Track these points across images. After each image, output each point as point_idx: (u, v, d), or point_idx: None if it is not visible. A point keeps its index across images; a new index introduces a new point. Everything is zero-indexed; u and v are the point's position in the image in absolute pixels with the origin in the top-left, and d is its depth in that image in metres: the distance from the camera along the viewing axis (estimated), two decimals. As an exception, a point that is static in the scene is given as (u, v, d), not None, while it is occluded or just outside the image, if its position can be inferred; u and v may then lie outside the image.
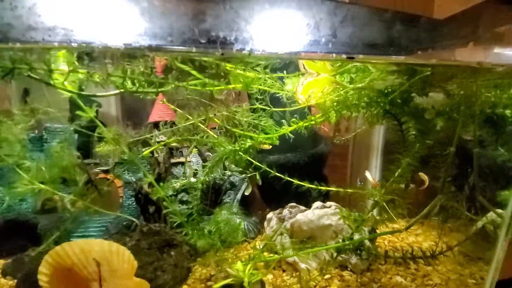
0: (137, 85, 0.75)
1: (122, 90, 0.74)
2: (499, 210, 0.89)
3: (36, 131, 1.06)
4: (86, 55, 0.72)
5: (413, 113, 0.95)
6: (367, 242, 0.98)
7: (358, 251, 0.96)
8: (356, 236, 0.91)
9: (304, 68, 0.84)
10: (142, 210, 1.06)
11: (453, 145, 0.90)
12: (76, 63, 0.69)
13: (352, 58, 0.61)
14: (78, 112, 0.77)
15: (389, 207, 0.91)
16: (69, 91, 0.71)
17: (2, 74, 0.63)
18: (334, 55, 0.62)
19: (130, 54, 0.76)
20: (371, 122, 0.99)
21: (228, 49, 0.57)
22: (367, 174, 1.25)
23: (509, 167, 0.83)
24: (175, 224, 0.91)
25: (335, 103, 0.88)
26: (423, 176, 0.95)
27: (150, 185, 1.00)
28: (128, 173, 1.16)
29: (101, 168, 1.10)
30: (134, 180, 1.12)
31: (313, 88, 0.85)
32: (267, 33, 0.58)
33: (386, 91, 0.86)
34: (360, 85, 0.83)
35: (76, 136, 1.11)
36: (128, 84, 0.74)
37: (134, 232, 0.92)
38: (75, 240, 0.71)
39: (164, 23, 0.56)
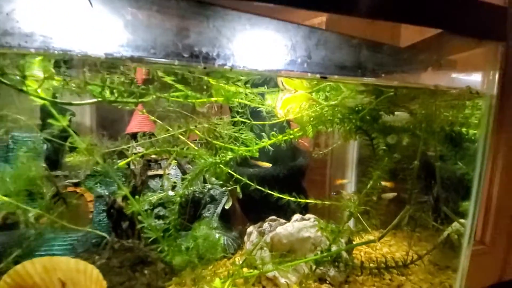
0: (117, 94, 0.74)
1: (100, 99, 0.73)
2: (462, 220, 0.97)
3: (1, 139, 0.99)
4: (64, 62, 0.71)
5: (382, 129, 1.04)
6: (344, 254, 1.00)
7: (336, 263, 0.97)
8: (334, 248, 0.93)
9: (283, 84, 0.89)
10: (115, 225, 1.00)
11: (417, 159, 0.98)
12: (53, 70, 0.67)
13: (325, 77, 0.67)
14: (50, 121, 0.73)
15: (363, 218, 0.95)
16: (43, 98, 0.68)
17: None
18: (309, 74, 0.67)
19: (112, 64, 0.76)
20: (345, 137, 1.05)
21: (210, 64, 0.60)
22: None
23: (467, 179, 0.92)
24: (150, 240, 0.87)
25: (311, 119, 0.93)
26: (386, 184, 1.02)
27: (125, 198, 0.96)
28: (100, 186, 1.10)
29: (71, 180, 1.03)
30: (106, 193, 1.07)
31: (291, 103, 0.90)
32: (248, 51, 0.62)
33: (357, 108, 0.93)
34: (333, 102, 0.89)
35: (45, 146, 1.04)
36: (107, 93, 0.73)
37: (104, 250, 0.86)
38: (38, 258, 0.65)
39: (147, 36, 0.58)
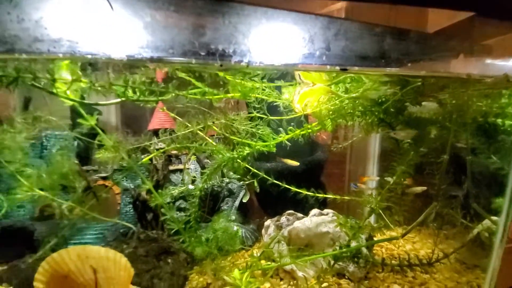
0: (138, 94, 0.77)
1: (123, 99, 0.76)
2: (494, 217, 0.90)
3: (36, 138, 1.08)
4: (89, 65, 0.75)
5: (407, 121, 0.98)
6: (364, 250, 0.98)
7: (356, 259, 0.96)
8: (353, 244, 0.91)
9: (300, 78, 0.87)
10: (140, 217, 1.06)
11: (446, 153, 0.92)
12: (80, 72, 0.71)
13: (346, 69, 0.64)
14: (79, 120, 0.79)
15: (385, 215, 0.92)
16: (71, 100, 0.73)
17: (6, 83, 0.65)
18: (328, 67, 0.64)
19: (132, 64, 0.79)
20: (366, 130, 1.01)
21: (227, 61, 0.59)
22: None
23: (502, 174, 0.85)
24: (173, 232, 0.92)
25: (330, 112, 0.90)
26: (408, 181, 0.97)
27: (148, 192, 1.01)
28: (126, 180, 1.16)
29: (100, 175, 1.11)
30: (132, 187, 1.13)
31: (309, 97, 0.88)
32: (264, 46, 0.61)
33: (379, 100, 0.88)
34: (354, 95, 0.86)
35: (75, 143, 1.12)
36: (129, 93, 0.77)
37: (131, 239, 0.92)
38: (72, 247, 0.71)
39: (166, 36, 0.59)
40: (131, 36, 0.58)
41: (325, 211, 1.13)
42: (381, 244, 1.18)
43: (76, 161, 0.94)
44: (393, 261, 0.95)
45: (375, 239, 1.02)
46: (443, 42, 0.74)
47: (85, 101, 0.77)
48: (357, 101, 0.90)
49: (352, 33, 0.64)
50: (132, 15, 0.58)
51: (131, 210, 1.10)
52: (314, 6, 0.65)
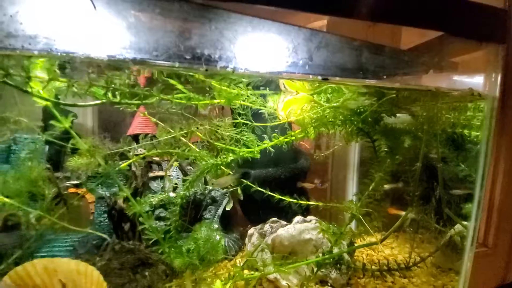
0: (120, 96, 0.74)
1: (103, 101, 0.73)
2: (465, 222, 0.96)
3: (4, 141, 0.99)
4: (68, 63, 0.72)
5: (384, 131, 1.04)
6: (346, 256, 0.99)
7: (338, 265, 0.97)
8: (335, 250, 0.92)
9: (284, 86, 0.89)
10: (115, 227, 1.00)
11: (419, 161, 0.98)
12: (57, 71, 0.68)
13: (327, 79, 0.67)
14: (52, 122, 0.74)
15: (365, 220, 0.95)
16: (47, 100, 0.69)
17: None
18: (311, 76, 0.67)
19: (114, 66, 0.77)
20: (347, 139, 1.05)
21: (212, 66, 0.60)
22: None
23: (470, 181, 0.92)
24: (151, 242, 0.87)
25: (313, 120, 0.93)
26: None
27: (126, 200, 0.96)
28: (101, 188, 1.10)
29: (72, 182, 1.03)
30: (108, 195, 1.07)
31: (293, 105, 0.90)
32: (250, 53, 0.63)
33: (358, 110, 0.93)
34: (335, 104, 0.89)
35: (46, 147, 1.05)
36: (110, 95, 0.74)
37: (105, 251, 0.86)
38: (39, 259, 0.65)
39: (150, 38, 0.58)
40: (113, 36, 0.57)
41: (308, 218, 1.14)
42: (361, 250, 1.20)
43: (47, 166, 0.87)
44: (373, 267, 0.97)
45: (355, 245, 1.04)
46: (415, 58, 0.81)
47: (62, 102, 0.73)
48: (337, 111, 0.94)
49: (332, 45, 0.68)
50: (115, 15, 0.57)
51: (106, 220, 1.03)
52: (298, 22, 0.68)
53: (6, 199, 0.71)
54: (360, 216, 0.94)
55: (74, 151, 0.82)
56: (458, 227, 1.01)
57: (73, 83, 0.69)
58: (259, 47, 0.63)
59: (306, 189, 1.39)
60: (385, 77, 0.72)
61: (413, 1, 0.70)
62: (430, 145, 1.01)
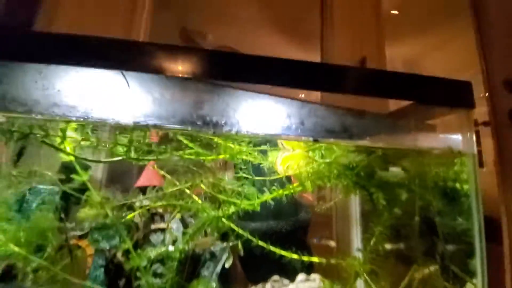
0: (139, 153, 0.85)
1: (124, 157, 0.84)
2: (474, 280, 0.91)
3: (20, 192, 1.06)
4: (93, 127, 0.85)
5: (379, 184, 1.09)
6: (353, 322, 0.92)
7: (345, 335, 0.88)
8: (341, 315, 0.86)
9: (282, 144, 1.00)
10: (110, 283, 0.96)
11: (416, 215, 1.00)
12: (89, 133, 0.80)
13: (317, 140, 0.77)
14: (73, 175, 0.83)
15: (371, 279, 0.91)
16: (75, 156, 0.79)
17: (18, 137, 0.72)
18: (303, 138, 0.78)
19: (132, 128, 0.90)
20: (345, 192, 1.10)
21: (219, 130, 0.72)
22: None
23: (470, 235, 0.91)
24: (146, 301, 0.83)
25: (309, 174, 1.00)
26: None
27: (124, 253, 0.96)
28: (102, 240, 1.10)
29: (75, 233, 1.05)
30: (107, 248, 1.06)
31: (290, 160, 0.99)
32: (250, 119, 0.75)
33: (350, 165, 1.01)
34: (328, 160, 0.98)
35: (57, 198, 1.10)
36: (131, 152, 0.85)
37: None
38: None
39: (169, 108, 0.72)
40: (140, 107, 0.70)
41: (312, 276, 1.08)
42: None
43: (61, 216, 0.92)
44: (384, 337, 0.88)
45: (363, 309, 0.97)
46: (394, 121, 0.93)
47: (88, 159, 0.83)
48: (332, 166, 1.02)
49: (321, 113, 0.81)
50: (143, 91, 0.72)
51: (101, 275, 1.00)
52: (294, 93, 0.82)
53: (16, 248, 0.74)
54: (365, 274, 0.91)
55: (79, 202, 0.88)
56: (469, 286, 0.95)
57: (100, 143, 0.81)
58: (258, 115, 0.77)
59: (308, 244, 1.35)
60: (368, 138, 0.82)
61: (388, 77, 0.86)
62: (424, 199, 1.04)
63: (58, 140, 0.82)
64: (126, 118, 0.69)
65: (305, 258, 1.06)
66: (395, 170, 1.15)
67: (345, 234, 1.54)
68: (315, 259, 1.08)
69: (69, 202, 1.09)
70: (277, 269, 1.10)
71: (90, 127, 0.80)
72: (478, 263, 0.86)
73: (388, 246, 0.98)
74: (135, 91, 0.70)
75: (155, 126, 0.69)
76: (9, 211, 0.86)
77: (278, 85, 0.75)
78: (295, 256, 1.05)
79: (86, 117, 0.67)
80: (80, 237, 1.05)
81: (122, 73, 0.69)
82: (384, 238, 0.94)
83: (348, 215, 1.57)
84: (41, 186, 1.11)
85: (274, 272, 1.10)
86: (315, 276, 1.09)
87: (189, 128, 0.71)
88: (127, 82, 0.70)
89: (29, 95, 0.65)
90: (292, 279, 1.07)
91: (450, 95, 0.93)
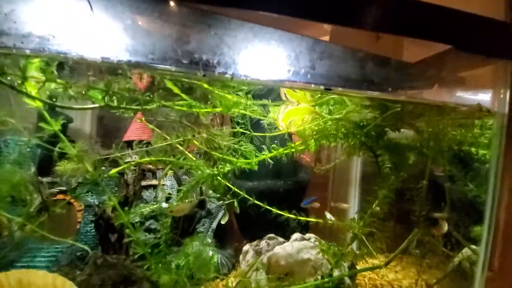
0: (120, 101, 0.72)
1: (101, 105, 0.71)
2: (474, 246, 0.90)
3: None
4: (67, 65, 0.70)
5: (387, 146, 1.00)
6: (347, 280, 0.92)
7: (338, 290, 0.90)
8: (336, 273, 0.85)
9: (286, 96, 0.86)
10: (102, 238, 0.94)
11: (425, 179, 0.93)
12: (55, 72, 0.66)
13: (330, 89, 0.64)
14: (41, 124, 0.71)
15: (368, 241, 0.89)
16: (42, 101, 0.66)
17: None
18: (313, 85, 0.64)
19: (114, 69, 0.75)
20: (348, 153, 1.01)
21: (210, 71, 0.57)
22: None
23: (479, 202, 0.86)
24: (138, 256, 0.81)
25: (314, 132, 0.90)
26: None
27: (115, 209, 0.91)
28: (91, 195, 1.05)
29: (60, 188, 0.99)
30: (96, 203, 1.02)
31: (294, 116, 0.87)
32: (250, 61, 0.61)
33: (361, 123, 0.90)
34: (337, 116, 0.86)
35: (38, 151, 1.01)
36: (108, 99, 0.71)
37: (86, 265, 0.80)
38: (13, 271, 0.60)
39: (147, 41, 0.56)
40: (108, 37, 0.55)
41: (307, 235, 1.07)
42: (363, 273, 1.12)
43: (34, 171, 0.83)
44: (376, 293, 0.90)
45: (357, 267, 0.97)
46: (421, 71, 0.78)
47: (58, 104, 0.70)
48: (339, 123, 0.90)
49: (336, 56, 0.65)
50: (111, 17, 0.55)
51: (92, 230, 0.98)
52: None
53: None
54: (363, 236, 0.88)
55: (63, 155, 0.79)
56: (466, 251, 0.94)
57: (70, 85, 0.66)
58: (259, 54, 0.61)
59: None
60: (390, 89, 0.69)
61: (420, 13, 0.68)
62: (436, 163, 0.96)
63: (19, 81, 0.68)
64: (93, 52, 0.55)
65: (302, 218, 1.04)
66: (407, 132, 1.05)
67: (342, 196, 1.52)
68: (311, 220, 1.06)
69: (52, 155, 1.00)
70: (273, 228, 1.08)
71: (55, 64, 0.65)
72: (485, 230, 0.82)
73: (389, 209, 0.94)
74: (100, 16, 0.54)
75: (129, 63, 0.55)
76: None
77: (286, 14, 0.58)
78: (291, 216, 1.02)
79: (42, 49, 0.52)
80: (65, 192, 0.99)
81: (81, -11, 0.52)
82: (387, 201, 0.89)
83: (348, 177, 1.53)
84: (16, 138, 1.01)
85: (270, 231, 1.08)
86: (310, 235, 1.08)
87: (173, 68, 0.57)
88: (90, 3, 0.53)
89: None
90: (288, 238, 1.06)
91: (490, 41, 0.77)
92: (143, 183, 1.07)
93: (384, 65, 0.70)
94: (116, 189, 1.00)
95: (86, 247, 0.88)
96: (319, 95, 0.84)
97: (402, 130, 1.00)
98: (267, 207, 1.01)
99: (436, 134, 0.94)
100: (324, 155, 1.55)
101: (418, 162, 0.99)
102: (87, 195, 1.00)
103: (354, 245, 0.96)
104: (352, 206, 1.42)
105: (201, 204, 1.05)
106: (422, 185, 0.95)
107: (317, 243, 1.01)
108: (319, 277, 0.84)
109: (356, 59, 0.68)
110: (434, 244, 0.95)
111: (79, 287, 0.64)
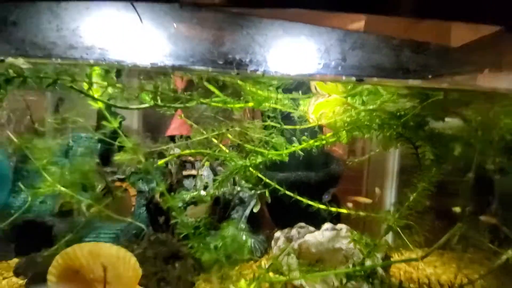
0: (164, 100, 0.81)
1: (150, 105, 0.81)
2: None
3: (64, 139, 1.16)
4: (118, 72, 0.81)
5: (429, 137, 0.94)
6: (380, 270, 0.92)
7: (370, 279, 0.90)
8: (368, 263, 0.86)
9: (316, 89, 0.87)
10: (152, 219, 1.08)
11: (472, 172, 0.86)
12: (114, 78, 0.77)
13: (362, 80, 0.63)
14: (104, 122, 0.84)
15: (404, 234, 0.86)
16: (105, 103, 0.78)
17: (47, 84, 0.72)
18: (344, 77, 0.64)
19: (159, 72, 0.84)
20: (384, 145, 0.98)
21: (243, 70, 0.62)
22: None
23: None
24: (182, 236, 0.92)
25: (346, 124, 0.89)
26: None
27: (162, 195, 1.04)
28: (142, 183, 1.20)
29: (118, 176, 1.15)
30: (146, 189, 1.17)
31: (324, 108, 0.87)
32: (280, 56, 0.63)
33: (398, 113, 0.86)
34: (371, 107, 0.84)
35: (99, 145, 1.19)
36: (157, 99, 0.81)
37: (142, 241, 0.94)
38: (85, 243, 0.74)
39: (187, 46, 0.62)
40: (155, 45, 0.62)
41: (338, 226, 1.08)
42: (399, 266, 1.10)
43: (97, 162, 0.99)
44: (411, 285, 0.88)
45: (392, 259, 0.96)
46: (466, 56, 0.72)
47: (116, 105, 0.82)
48: (374, 114, 0.88)
49: (369, 45, 0.64)
50: (158, 27, 0.62)
51: (144, 212, 1.13)
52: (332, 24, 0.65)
53: (62, 188, 0.83)
54: (398, 229, 0.86)
55: (121, 148, 0.92)
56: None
57: (126, 89, 0.77)
58: (289, 50, 0.63)
59: (337, 196, 1.32)
60: (430, 76, 0.65)
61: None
62: (485, 154, 0.88)
63: (86, 86, 0.81)
64: (143, 59, 0.63)
65: (333, 209, 1.05)
66: (452, 121, 0.97)
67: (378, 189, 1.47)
68: (343, 211, 1.06)
69: (111, 148, 1.17)
70: (303, 218, 1.11)
71: (114, 71, 0.76)
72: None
73: (429, 202, 0.89)
74: (148, 26, 0.61)
75: (173, 67, 0.62)
76: (56, 157, 0.94)
77: (314, 9, 0.58)
78: (322, 206, 1.04)
79: (103, 59, 0.62)
80: (122, 180, 1.15)
81: (132, 4, 0.59)
82: (426, 194, 0.85)
83: (384, 170, 1.46)
84: (83, 134, 1.19)
85: (301, 220, 1.12)
86: (341, 226, 1.09)
87: (210, 69, 0.63)
88: (139, 15, 0.61)
89: (46, 37, 0.61)
90: (318, 228, 1.08)
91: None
92: (184, 173, 1.19)
93: (423, 51, 0.66)
94: (162, 177, 1.13)
95: (142, 225, 1.02)
96: (351, 86, 0.83)
97: (446, 119, 0.93)
98: (297, 197, 1.04)
99: (486, 123, 0.85)
100: (358, 147, 1.51)
101: (465, 153, 0.92)
102: (140, 182, 1.15)
103: (390, 239, 0.95)
104: (377, 199, 1.37)
105: (217, 200, 1.13)
106: (468, 178, 0.88)
107: (348, 233, 1.02)
108: (351, 266, 0.86)
109: (390, 47, 0.65)
110: (479, 240, 0.88)
111: (137, 259, 0.76)
